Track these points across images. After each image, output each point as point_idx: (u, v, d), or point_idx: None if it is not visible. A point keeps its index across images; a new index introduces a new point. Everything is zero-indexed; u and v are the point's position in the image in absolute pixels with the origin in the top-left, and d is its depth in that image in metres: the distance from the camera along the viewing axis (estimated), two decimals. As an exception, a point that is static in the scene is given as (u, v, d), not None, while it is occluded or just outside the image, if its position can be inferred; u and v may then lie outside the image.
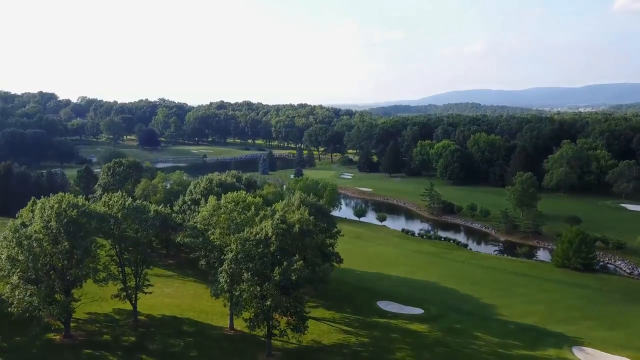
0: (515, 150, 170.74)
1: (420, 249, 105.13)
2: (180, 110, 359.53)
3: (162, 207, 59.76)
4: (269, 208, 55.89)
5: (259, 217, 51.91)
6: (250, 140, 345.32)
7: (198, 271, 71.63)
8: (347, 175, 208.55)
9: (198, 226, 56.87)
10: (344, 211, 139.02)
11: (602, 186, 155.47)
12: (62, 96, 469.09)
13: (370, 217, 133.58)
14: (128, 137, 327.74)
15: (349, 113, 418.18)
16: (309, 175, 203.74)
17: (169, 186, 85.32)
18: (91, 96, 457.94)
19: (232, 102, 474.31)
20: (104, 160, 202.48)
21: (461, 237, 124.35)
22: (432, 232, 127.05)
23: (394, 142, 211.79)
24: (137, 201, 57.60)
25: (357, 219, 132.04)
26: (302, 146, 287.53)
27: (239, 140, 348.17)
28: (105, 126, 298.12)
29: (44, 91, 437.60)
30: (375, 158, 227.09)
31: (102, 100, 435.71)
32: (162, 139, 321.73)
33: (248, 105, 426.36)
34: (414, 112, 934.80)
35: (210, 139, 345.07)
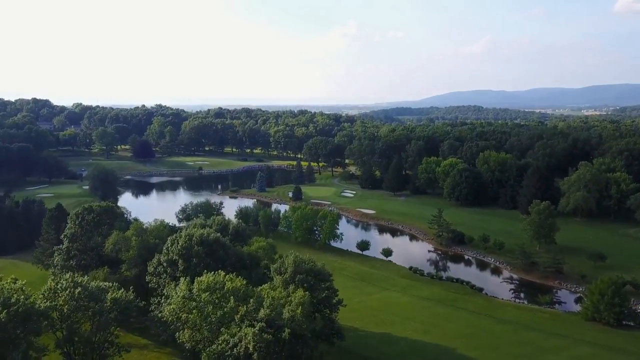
0: (527, 171, 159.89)
1: (431, 295, 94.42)
2: (177, 118, 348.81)
3: (123, 292, 48.98)
4: (252, 298, 44.86)
5: (239, 315, 41.28)
6: (248, 150, 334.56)
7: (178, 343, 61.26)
8: (349, 193, 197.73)
9: (166, 318, 46.30)
10: (346, 241, 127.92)
11: (622, 212, 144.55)
12: (60, 100, 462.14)
13: (375, 250, 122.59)
14: (122, 146, 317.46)
15: (350, 120, 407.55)
16: (309, 193, 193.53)
17: (148, 228, 74.35)
18: (90, 99, 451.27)
19: (231, 108, 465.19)
20: (91, 178, 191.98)
21: (473, 273, 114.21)
22: (442, 268, 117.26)
23: (397, 158, 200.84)
24: (94, 283, 46.87)
25: (360, 252, 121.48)
26: (301, 156, 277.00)
27: (237, 150, 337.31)
28: (97, 137, 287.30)
29: (38, 97, 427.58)
30: (378, 173, 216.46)
31: (97, 107, 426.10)
32: (156, 149, 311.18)
33: (247, 112, 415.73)
34: (416, 115, 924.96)
35: (207, 149, 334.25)
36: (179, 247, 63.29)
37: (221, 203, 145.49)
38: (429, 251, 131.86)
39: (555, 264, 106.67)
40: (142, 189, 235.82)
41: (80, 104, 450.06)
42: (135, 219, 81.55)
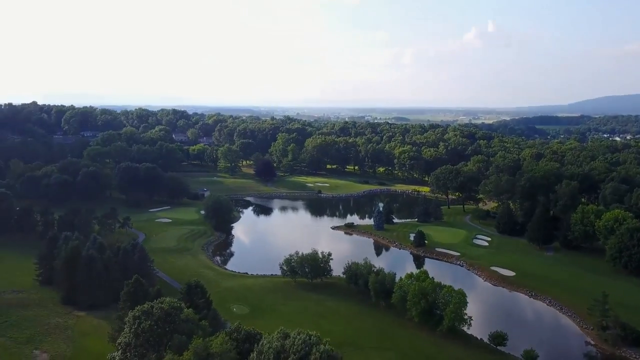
0: None
1: None
2: (301, 134, 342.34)
3: None
4: None
5: None
6: (370, 170, 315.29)
7: None
8: (482, 240, 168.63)
9: None
10: (477, 319, 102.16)
11: None
12: (200, 101, 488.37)
13: (513, 343, 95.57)
14: (247, 162, 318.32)
15: (487, 136, 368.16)
16: (434, 237, 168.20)
17: (211, 347, 58.33)
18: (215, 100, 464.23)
19: (358, 118, 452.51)
20: (206, 207, 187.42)
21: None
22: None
23: (544, 201, 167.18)
24: None
25: (493, 346, 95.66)
26: (428, 179, 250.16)
27: (359, 169, 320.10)
28: (222, 155, 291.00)
29: (177, 109, 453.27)
30: (519, 214, 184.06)
31: (229, 118, 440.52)
32: (278, 166, 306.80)
33: (372, 127, 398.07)
34: (563, 125, 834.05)
35: (328, 167, 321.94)
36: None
37: (329, 255, 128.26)
38: (587, 344, 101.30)
39: None
40: (259, 213, 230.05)
41: (214, 116, 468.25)
42: (202, 327, 65.96)
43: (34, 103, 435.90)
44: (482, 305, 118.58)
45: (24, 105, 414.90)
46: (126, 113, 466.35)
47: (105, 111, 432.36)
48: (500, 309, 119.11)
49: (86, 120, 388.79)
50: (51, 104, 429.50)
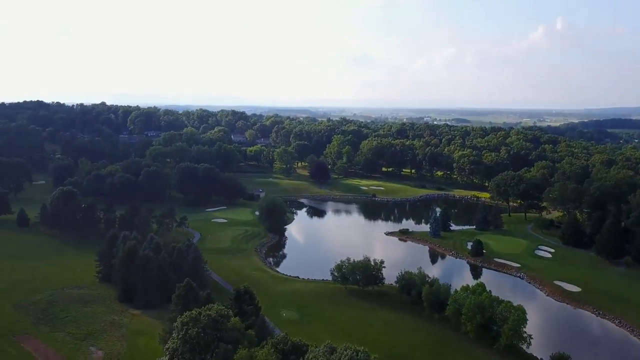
0: None
1: None
2: (357, 136, 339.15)
3: None
4: None
5: None
6: (427, 174, 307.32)
7: None
8: (545, 252, 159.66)
9: None
10: (537, 338, 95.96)
11: None
12: (260, 101, 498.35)
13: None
14: (302, 163, 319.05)
15: (553, 141, 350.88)
16: (492, 246, 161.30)
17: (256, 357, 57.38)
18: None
19: (416, 119, 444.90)
20: (260, 209, 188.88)
21: None
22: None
23: (615, 212, 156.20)
24: None
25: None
26: (488, 185, 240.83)
27: (415, 173, 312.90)
28: (278, 156, 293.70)
29: (236, 110, 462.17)
30: (586, 224, 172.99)
31: (286, 120, 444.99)
32: (333, 169, 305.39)
33: (430, 129, 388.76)
34: (638, 129, 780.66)
35: (383, 170, 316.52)
36: None
37: (382, 262, 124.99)
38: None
39: None
40: (313, 215, 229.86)
41: (277, 114, 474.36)
42: (248, 337, 65.19)
43: (103, 103, 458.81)
44: (543, 322, 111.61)
45: (93, 106, 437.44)
46: (188, 114, 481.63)
47: (168, 112, 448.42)
48: (563, 328, 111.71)
49: (150, 120, 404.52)
50: (118, 105, 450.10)
